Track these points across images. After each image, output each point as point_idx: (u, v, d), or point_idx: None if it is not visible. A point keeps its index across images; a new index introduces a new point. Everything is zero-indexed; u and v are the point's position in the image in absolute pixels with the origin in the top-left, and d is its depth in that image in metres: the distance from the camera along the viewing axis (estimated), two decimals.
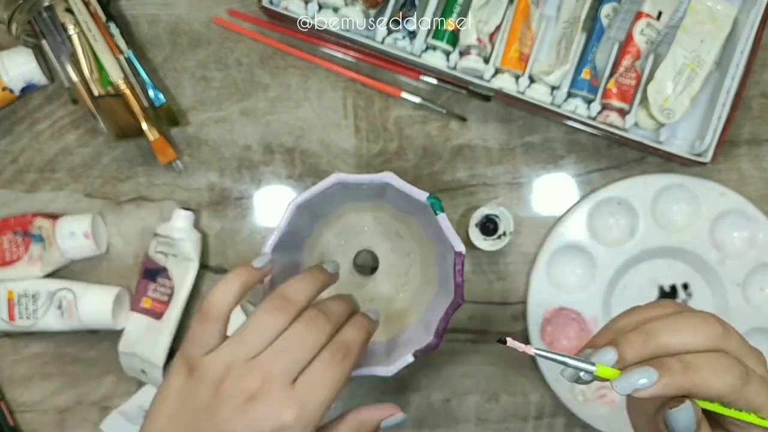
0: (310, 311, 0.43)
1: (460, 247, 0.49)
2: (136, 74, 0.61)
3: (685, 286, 0.64)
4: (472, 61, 0.60)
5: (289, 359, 0.40)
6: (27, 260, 0.62)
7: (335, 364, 0.41)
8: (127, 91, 0.60)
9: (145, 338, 0.61)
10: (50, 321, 0.61)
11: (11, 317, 0.61)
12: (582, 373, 0.36)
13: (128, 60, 0.61)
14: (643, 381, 0.34)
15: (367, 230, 0.60)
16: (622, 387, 0.34)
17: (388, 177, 0.50)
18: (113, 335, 0.63)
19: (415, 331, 0.54)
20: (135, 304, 0.63)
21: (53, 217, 0.63)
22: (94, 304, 0.61)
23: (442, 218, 0.50)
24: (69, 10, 0.59)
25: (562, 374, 0.37)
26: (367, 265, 0.62)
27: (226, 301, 0.43)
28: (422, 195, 0.50)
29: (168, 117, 0.63)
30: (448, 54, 0.61)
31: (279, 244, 0.50)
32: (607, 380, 0.35)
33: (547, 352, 0.36)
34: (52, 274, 0.63)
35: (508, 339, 0.36)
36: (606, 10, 0.60)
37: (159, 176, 0.64)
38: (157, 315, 0.62)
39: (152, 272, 0.63)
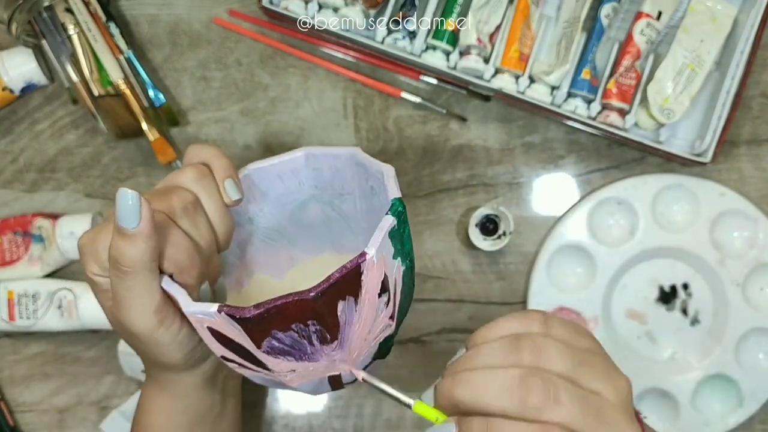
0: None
1: (371, 252, 0.36)
2: (136, 74, 0.61)
3: (685, 286, 0.64)
4: (472, 61, 0.60)
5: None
6: (27, 260, 0.62)
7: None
8: (127, 91, 0.60)
9: None
10: (50, 321, 0.61)
11: (11, 317, 0.61)
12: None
13: (128, 60, 0.61)
14: None
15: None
16: None
17: (356, 151, 0.45)
18: (113, 335, 0.63)
19: None
20: None
21: (53, 217, 0.63)
22: (94, 304, 0.61)
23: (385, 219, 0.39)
24: (69, 10, 0.59)
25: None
26: None
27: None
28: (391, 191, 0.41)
29: (168, 117, 0.63)
30: (448, 54, 0.61)
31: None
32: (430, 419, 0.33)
33: (375, 379, 0.36)
34: (52, 274, 0.63)
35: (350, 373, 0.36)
36: (606, 10, 0.60)
37: (159, 176, 0.64)
38: None
39: None
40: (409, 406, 0.34)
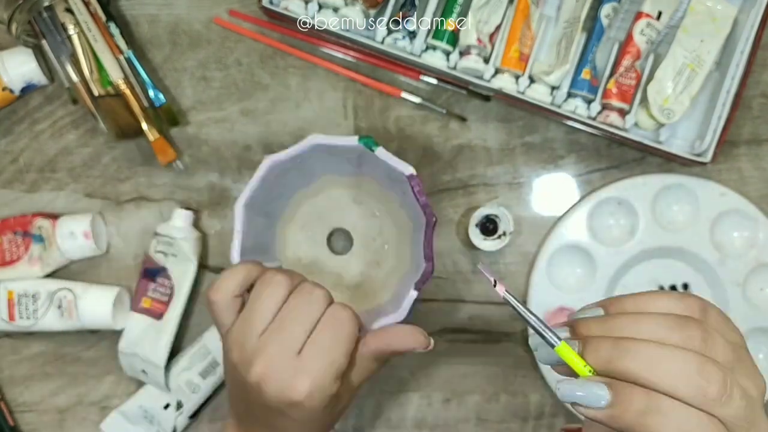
0: (305, 284, 0.44)
1: (409, 170, 0.50)
2: (136, 74, 0.61)
3: (685, 286, 0.64)
4: (472, 61, 0.60)
5: (290, 330, 0.41)
6: (27, 260, 0.62)
7: (336, 326, 0.42)
8: (127, 91, 0.60)
9: (146, 338, 0.61)
10: (50, 321, 0.61)
11: (11, 317, 0.61)
12: (541, 348, 0.32)
13: (128, 60, 0.61)
14: (587, 399, 0.30)
15: (342, 209, 0.60)
16: (563, 393, 0.31)
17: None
18: (113, 335, 0.63)
19: (390, 305, 0.54)
20: (134, 304, 0.63)
21: (53, 217, 0.63)
22: (94, 305, 0.61)
23: (381, 152, 0.51)
24: (69, 10, 0.59)
25: (531, 344, 0.33)
26: (341, 243, 0.61)
27: (229, 288, 0.44)
28: (399, 163, 0.50)
29: (168, 117, 0.63)
30: (448, 54, 0.61)
31: (251, 203, 0.53)
32: (565, 365, 0.31)
33: (517, 301, 0.33)
34: (52, 274, 0.63)
35: (481, 266, 0.35)
36: (606, 10, 0.60)
37: (159, 176, 0.64)
38: (157, 315, 0.62)
39: (152, 272, 0.62)
40: (552, 345, 0.31)
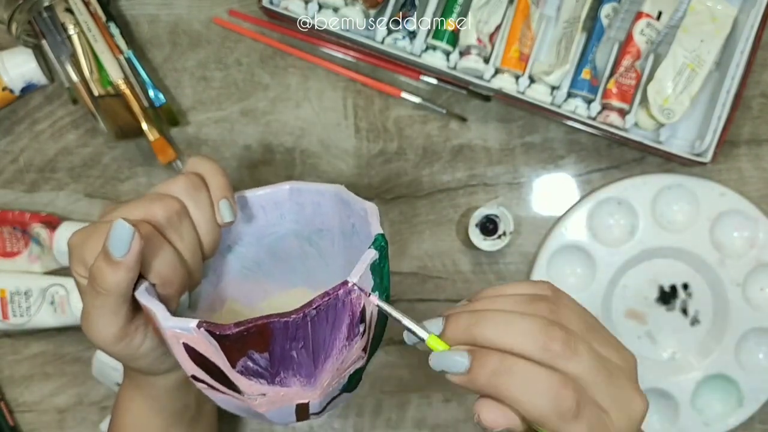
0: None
1: (353, 280, 0.36)
2: (136, 74, 0.61)
3: (685, 286, 0.64)
4: (472, 61, 0.60)
5: None
6: (27, 256, 0.62)
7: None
8: (127, 91, 0.60)
9: None
10: (44, 317, 0.61)
11: (5, 316, 0.61)
12: (417, 340, 0.35)
13: (128, 60, 0.61)
14: (452, 365, 0.33)
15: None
16: (434, 363, 0.34)
17: (340, 189, 0.45)
18: None
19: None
20: None
21: (51, 225, 0.62)
22: None
23: (368, 253, 0.38)
24: (69, 10, 0.59)
25: (405, 338, 0.36)
26: None
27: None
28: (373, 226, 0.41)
29: (168, 117, 0.63)
30: (448, 54, 0.61)
31: None
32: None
33: (389, 306, 0.36)
34: (52, 272, 0.63)
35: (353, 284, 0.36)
36: (606, 10, 0.60)
37: (159, 176, 0.64)
38: None
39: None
40: (422, 340, 0.35)
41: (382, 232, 0.40)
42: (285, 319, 0.34)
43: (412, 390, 0.65)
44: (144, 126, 0.61)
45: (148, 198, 0.40)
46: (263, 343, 0.35)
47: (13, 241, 0.62)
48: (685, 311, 0.65)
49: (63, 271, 0.64)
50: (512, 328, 0.32)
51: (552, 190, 0.65)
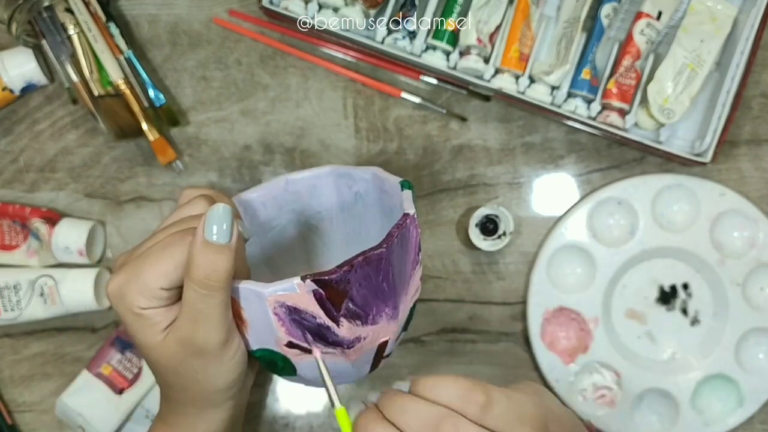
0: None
1: (411, 211, 0.41)
2: (136, 74, 0.61)
3: (685, 286, 0.64)
4: (472, 61, 0.60)
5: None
6: (25, 249, 0.62)
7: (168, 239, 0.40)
8: (127, 91, 0.60)
9: (96, 406, 0.60)
10: (35, 310, 0.61)
11: None
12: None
13: (128, 60, 0.61)
14: None
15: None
16: None
17: (377, 170, 0.47)
18: (113, 334, 0.63)
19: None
20: (92, 366, 0.62)
21: (50, 221, 0.62)
22: (75, 287, 0.61)
23: (406, 193, 0.43)
24: (69, 10, 0.59)
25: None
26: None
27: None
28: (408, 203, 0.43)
29: (168, 117, 0.63)
30: (448, 54, 0.61)
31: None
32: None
33: (323, 367, 0.38)
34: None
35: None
36: (606, 10, 0.60)
37: (159, 176, 0.64)
38: (116, 389, 0.61)
39: (123, 343, 0.62)
40: (332, 405, 0.37)
41: (401, 179, 0.43)
42: (378, 250, 0.37)
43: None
44: (144, 126, 0.61)
45: (179, 220, 0.40)
46: (361, 281, 0.37)
47: (12, 235, 0.62)
48: (685, 311, 0.65)
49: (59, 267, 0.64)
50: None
51: (552, 190, 0.65)
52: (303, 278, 0.36)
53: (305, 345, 0.39)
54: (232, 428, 0.47)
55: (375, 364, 0.44)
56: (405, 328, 0.45)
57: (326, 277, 0.36)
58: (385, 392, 0.37)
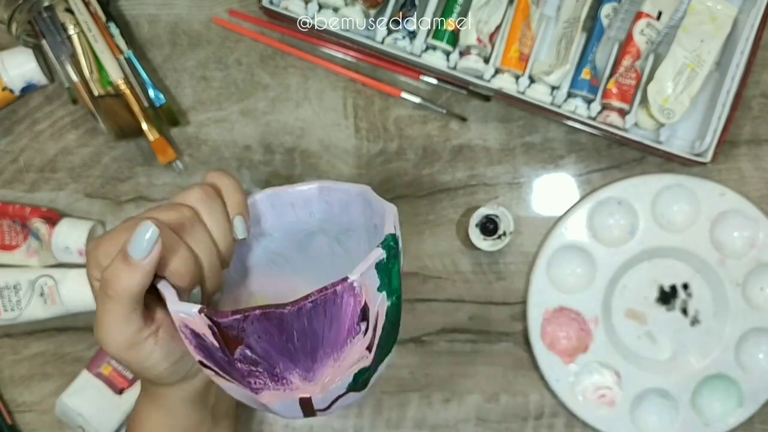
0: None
1: (352, 277, 0.37)
2: (136, 74, 0.61)
3: (685, 286, 0.64)
4: (472, 61, 0.60)
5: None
6: (25, 250, 0.62)
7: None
8: (127, 91, 0.60)
9: (96, 406, 0.61)
10: (35, 310, 0.61)
11: None
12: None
13: (128, 60, 0.61)
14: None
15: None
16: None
17: (365, 189, 0.45)
18: None
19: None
20: (92, 366, 0.62)
21: (50, 221, 0.62)
22: (75, 287, 0.61)
23: (375, 251, 0.39)
24: (69, 10, 0.59)
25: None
26: None
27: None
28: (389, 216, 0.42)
29: (168, 117, 0.63)
30: (448, 54, 0.61)
31: None
32: None
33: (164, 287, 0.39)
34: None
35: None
36: (606, 10, 0.60)
37: (159, 176, 0.64)
38: (116, 389, 0.61)
39: None
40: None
41: (394, 232, 0.40)
42: (281, 310, 0.35)
43: (412, 390, 0.65)
44: (144, 126, 0.61)
45: (163, 206, 0.41)
46: (260, 333, 0.36)
47: (12, 235, 0.62)
48: (685, 311, 0.65)
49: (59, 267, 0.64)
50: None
51: (552, 190, 0.65)
52: (200, 310, 0.36)
53: (214, 368, 0.39)
54: (205, 397, 0.47)
55: (307, 413, 0.42)
56: (359, 389, 0.42)
57: (216, 319, 0.35)
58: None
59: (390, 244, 0.39)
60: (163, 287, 0.39)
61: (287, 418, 0.44)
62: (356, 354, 0.39)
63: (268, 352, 0.37)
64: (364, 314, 0.38)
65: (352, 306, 0.37)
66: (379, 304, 0.38)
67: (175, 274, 0.39)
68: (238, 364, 0.37)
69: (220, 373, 0.39)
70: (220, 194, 0.43)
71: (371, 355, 0.40)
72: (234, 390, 0.40)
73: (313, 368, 0.38)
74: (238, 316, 0.35)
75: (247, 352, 0.37)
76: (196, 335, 0.37)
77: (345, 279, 0.36)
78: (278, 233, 0.49)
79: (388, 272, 0.39)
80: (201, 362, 0.39)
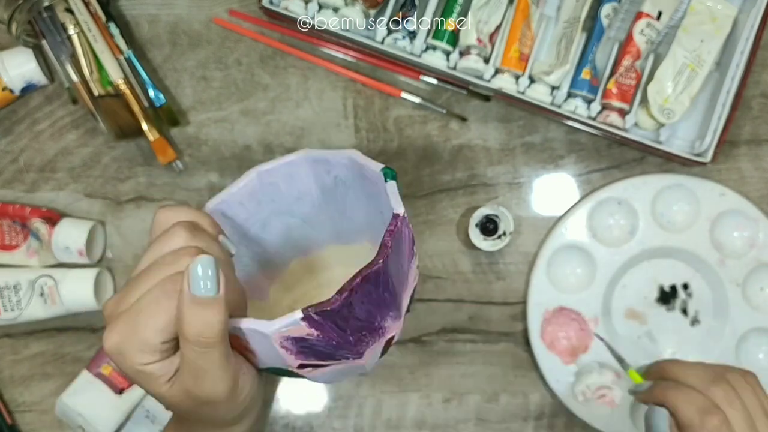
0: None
1: (400, 210, 0.40)
2: (136, 74, 0.61)
3: (685, 286, 0.64)
4: (472, 61, 0.60)
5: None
6: (25, 250, 0.62)
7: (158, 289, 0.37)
8: (127, 91, 0.60)
9: (96, 406, 0.61)
10: (35, 310, 0.61)
11: None
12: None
13: (128, 60, 0.61)
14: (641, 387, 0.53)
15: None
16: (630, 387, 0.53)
17: (353, 153, 0.46)
18: None
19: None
20: (92, 366, 0.62)
21: (50, 221, 0.62)
22: (75, 287, 0.61)
23: (391, 185, 0.42)
24: (69, 10, 0.59)
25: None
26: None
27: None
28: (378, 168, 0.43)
29: (168, 117, 0.63)
30: (448, 54, 0.61)
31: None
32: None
33: (604, 338, 0.57)
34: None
35: None
36: (606, 10, 0.60)
37: (159, 176, 0.64)
38: (116, 389, 0.61)
39: None
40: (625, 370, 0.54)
41: (383, 166, 0.43)
42: (376, 267, 0.36)
43: (412, 390, 0.65)
44: (144, 126, 0.61)
45: (166, 259, 0.37)
46: (362, 299, 0.37)
47: (12, 235, 0.62)
48: (685, 311, 0.65)
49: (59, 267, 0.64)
50: (689, 372, 0.50)
51: (552, 190, 0.65)
52: (305, 311, 0.35)
53: (317, 362, 0.39)
54: None
55: (382, 354, 0.45)
56: (407, 310, 0.45)
57: (328, 308, 0.35)
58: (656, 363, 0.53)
59: (392, 174, 0.42)
60: (243, 322, 0.37)
61: (368, 373, 0.45)
62: (413, 275, 0.43)
63: (370, 311, 0.38)
64: (413, 239, 0.42)
65: (407, 236, 0.41)
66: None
67: (230, 303, 0.37)
68: (352, 338, 0.38)
69: (322, 363, 0.40)
70: (195, 225, 0.40)
71: (417, 273, 0.44)
72: (331, 372, 0.41)
73: (399, 304, 0.41)
74: (345, 294, 0.35)
75: (355, 322, 0.38)
76: (297, 341, 0.37)
77: (397, 215, 0.39)
78: (237, 236, 0.48)
79: (401, 195, 0.42)
80: (301, 365, 0.39)
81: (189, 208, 0.41)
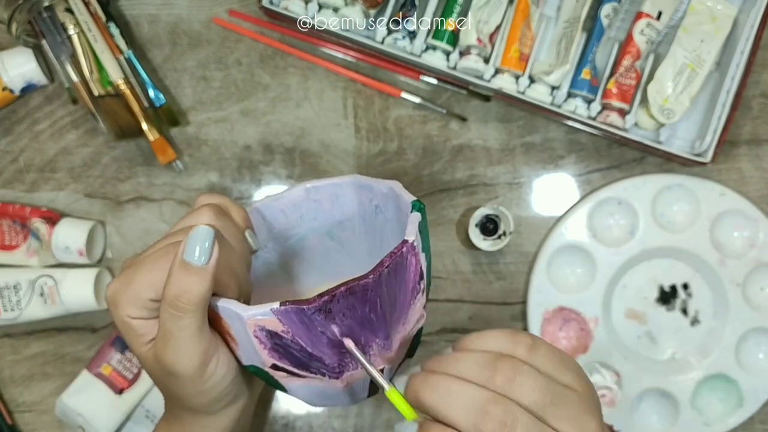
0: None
1: (411, 238, 0.37)
2: (136, 74, 0.61)
3: (685, 286, 0.64)
4: (472, 61, 0.60)
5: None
6: (25, 249, 0.62)
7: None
8: (127, 91, 0.60)
9: (96, 405, 0.61)
10: (35, 310, 0.61)
11: None
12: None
13: (128, 60, 0.61)
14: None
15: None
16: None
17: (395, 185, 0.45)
18: (113, 334, 0.63)
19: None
20: (92, 366, 0.62)
21: (50, 221, 0.62)
22: (75, 287, 0.61)
23: (414, 216, 0.40)
24: (69, 10, 0.59)
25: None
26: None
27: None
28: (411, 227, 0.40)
29: (168, 117, 0.63)
30: (448, 54, 0.61)
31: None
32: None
33: (358, 352, 0.37)
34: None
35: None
36: (606, 10, 0.60)
37: (159, 176, 0.64)
38: (116, 389, 0.61)
39: (123, 343, 0.62)
40: (383, 390, 0.36)
41: (415, 198, 0.41)
42: (364, 281, 0.35)
43: None
44: (144, 126, 0.61)
45: (181, 229, 0.39)
46: (344, 311, 0.35)
47: (12, 235, 0.62)
48: (685, 311, 0.65)
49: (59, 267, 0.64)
50: (450, 401, 0.33)
51: (552, 190, 0.65)
52: (281, 304, 0.35)
53: (292, 369, 0.38)
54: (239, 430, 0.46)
55: (373, 391, 0.43)
56: (410, 354, 0.43)
57: (304, 306, 0.34)
58: (430, 358, 0.36)
59: (420, 207, 0.40)
60: (223, 302, 0.37)
61: (349, 404, 0.43)
62: (417, 314, 0.40)
63: (351, 328, 0.36)
64: (421, 273, 0.39)
65: (414, 266, 0.38)
66: (423, 264, 0.39)
67: (220, 284, 0.38)
68: (325, 348, 0.37)
69: (296, 370, 0.38)
70: (224, 210, 0.42)
71: (425, 314, 0.41)
72: (306, 387, 0.40)
73: (390, 334, 0.38)
74: (326, 298, 0.34)
75: (335, 329, 0.36)
76: (272, 335, 0.36)
77: (405, 242, 0.37)
78: (273, 243, 0.49)
79: (426, 233, 0.40)
80: (273, 366, 0.38)
81: (226, 198, 0.43)
